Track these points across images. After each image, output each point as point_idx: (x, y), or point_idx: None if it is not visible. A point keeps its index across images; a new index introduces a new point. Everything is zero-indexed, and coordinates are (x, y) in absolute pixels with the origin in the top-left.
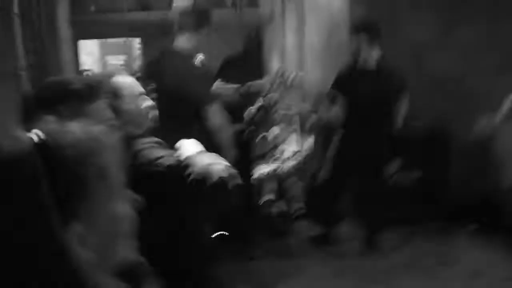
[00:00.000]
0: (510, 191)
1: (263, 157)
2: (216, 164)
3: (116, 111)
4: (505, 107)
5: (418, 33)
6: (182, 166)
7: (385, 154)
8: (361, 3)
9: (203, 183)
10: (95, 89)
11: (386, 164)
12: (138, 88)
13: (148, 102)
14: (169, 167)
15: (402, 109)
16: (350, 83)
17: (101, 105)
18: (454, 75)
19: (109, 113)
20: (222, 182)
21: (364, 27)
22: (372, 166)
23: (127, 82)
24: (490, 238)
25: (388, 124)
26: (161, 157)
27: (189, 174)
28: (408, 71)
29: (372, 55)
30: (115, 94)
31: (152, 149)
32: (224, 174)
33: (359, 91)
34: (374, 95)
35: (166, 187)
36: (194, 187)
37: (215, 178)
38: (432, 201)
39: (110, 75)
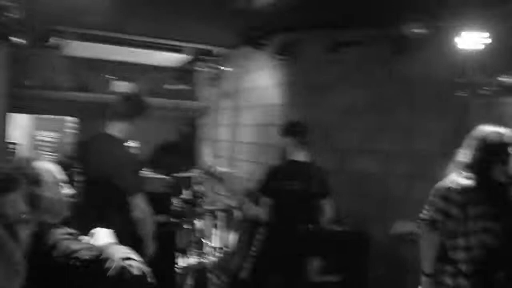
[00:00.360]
0: None
1: (185, 251)
2: (132, 259)
3: (34, 198)
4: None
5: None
6: (99, 260)
7: (307, 254)
8: (294, 105)
9: (120, 279)
10: (12, 180)
11: (307, 264)
12: (58, 175)
13: (67, 190)
14: (86, 261)
15: (327, 210)
16: (274, 184)
17: (17, 197)
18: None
19: (23, 206)
20: (140, 278)
21: (291, 131)
22: (294, 265)
23: (47, 168)
24: None
25: (311, 225)
26: (78, 250)
27: (107, 269)
28: (333, 173)
29: (298, 157)
30: (34, 180)
31: (69, 241)
32: (141, 271)
33: (283, 193)
34: (299, 196)
35: (83, 281)
36: (111, 282)
37: (134, 273)
38: None
39: (30, 160)
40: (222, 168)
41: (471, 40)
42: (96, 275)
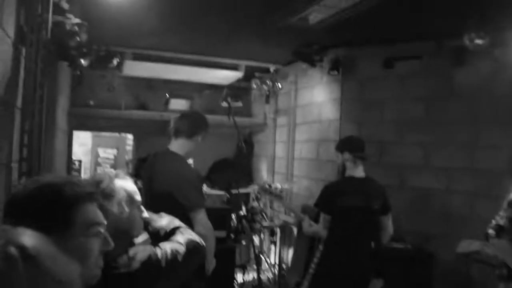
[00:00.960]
0: None
1: (244, 267)
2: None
3: (103, 212)
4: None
5: (403, 153)
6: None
7: (368, 273)
8: (350, 120)
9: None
10: (88, 192)
11: (368, 283)
12: (135, 195)
13: (142, 212)
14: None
15: (387, 227)
16: (334, 201)
17: (95, 209)
18: (436, 195)
19: (100, 217)
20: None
21: (347, 147)
22: (354, 284)
23: (125, 186)
24: None
25: (372, 242)
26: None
27: None
28: (393, 190)
29: (356, 173)
30: (106, 195)
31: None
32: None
33: (344, 209)
34: (359, 212)
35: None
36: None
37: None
38: None
39: (113, 176)
40: (279, 185)
41: None
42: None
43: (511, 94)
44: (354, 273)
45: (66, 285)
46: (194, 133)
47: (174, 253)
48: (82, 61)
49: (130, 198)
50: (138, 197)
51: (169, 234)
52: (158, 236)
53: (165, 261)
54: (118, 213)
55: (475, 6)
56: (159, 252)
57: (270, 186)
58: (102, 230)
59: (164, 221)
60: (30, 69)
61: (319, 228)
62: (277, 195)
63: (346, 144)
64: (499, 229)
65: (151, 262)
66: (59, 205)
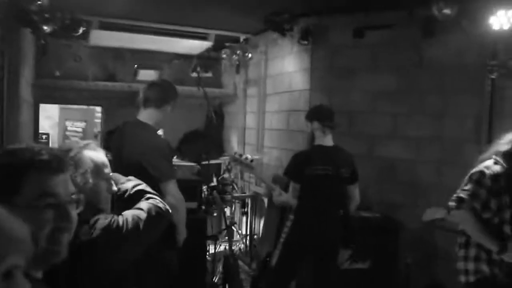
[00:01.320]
0: None
1: (216, 238)
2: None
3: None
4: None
5: (373, 123)
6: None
7: (337, 241)
8: (320, 90)
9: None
10: (62, 161)
11: (338, 251)
12: (105, 168)
13: (110, 185)
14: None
15: (355, 196)
16: (303, 170)
17: (67, 178)
18: (405, 165)
19: (72, 187)
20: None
21: (317, 116)
22: (324, 252)
23: (93, 157)
24: None
25: (340, 210)
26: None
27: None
28: (361, 159)
29: (326, 142)
30: (75, 165)
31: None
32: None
33: (313, 178)
34: (328, 181)
35: None
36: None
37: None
38: None
39: (83, 146)
40: (250, 155)
41: (503, 19)
42: None
43: (478, 64)
44: (324, 241)
45: (17, 242)
46: (163, 102)
47: (136, 220)
48: (45, 27)
49: (97, 169)
50: (107, 170)
51: (132, 196)
52: (122, 198)
53: (126, 228)
54: (81, 183)
55: None
56: (120, 219)
57: (241, 155)
58: (56, 201)
59: (130, 184)
60: None
61: (288, 197)
62: (248, 165)
63: (315, 113)
64: (459, 201)
65: (111, 229)
66: (9, 169)
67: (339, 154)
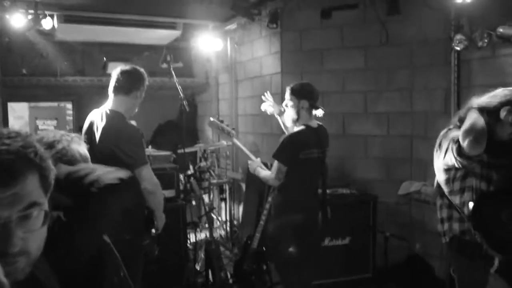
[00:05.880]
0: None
1: (196, 225)
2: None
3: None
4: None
5: (344, 102)
6: None
7: (317, 219)
8: (293, 73)
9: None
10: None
11: (318, 230)
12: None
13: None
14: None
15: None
16: (297, 154)
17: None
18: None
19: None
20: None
21: (308, 95)
22: (306, 231)
23: (84, 151)
24: None
25: (320, 189)
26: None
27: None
28: (335, 137)
29: (311, 123)
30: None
31: None
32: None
33: (303, 161)
34: (314, 163)
35: None
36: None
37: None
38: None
39: (70, 140)
40: (224, 142)
41: None
42: None
43: (443, 38)
44: (305, 220)
45: None
46: (131, 88)
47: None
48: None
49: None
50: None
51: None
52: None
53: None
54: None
55: None
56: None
57: (222, 121)
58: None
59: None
60: None
61: (270, 177)
62: (229, 132)
63: (307, 92)
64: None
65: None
66: None
67: (323, 135)
